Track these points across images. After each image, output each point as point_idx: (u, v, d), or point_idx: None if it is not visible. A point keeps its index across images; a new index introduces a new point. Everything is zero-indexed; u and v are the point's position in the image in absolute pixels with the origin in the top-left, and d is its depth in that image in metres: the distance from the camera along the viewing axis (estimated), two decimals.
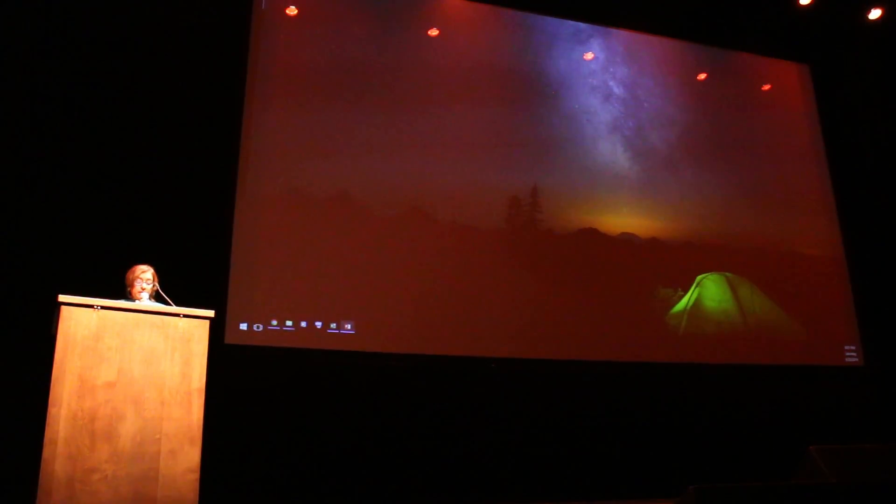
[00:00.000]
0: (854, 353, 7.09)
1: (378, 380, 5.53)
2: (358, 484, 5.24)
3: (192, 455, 3.27)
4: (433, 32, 6.61)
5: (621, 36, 7.35)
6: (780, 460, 5.25)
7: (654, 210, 6.86)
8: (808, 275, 7.24)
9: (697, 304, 6.74)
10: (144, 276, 3.76)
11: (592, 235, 6.58)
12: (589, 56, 7.15)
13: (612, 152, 6.91)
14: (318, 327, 5.52)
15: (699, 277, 6.83)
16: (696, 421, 6.23)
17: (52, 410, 3.07)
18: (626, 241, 6.69)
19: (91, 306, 3.26)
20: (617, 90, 7.14)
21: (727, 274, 6.95)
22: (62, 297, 3.22)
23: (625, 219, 6.74)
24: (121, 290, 3.78)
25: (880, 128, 7.68)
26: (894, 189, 7.44)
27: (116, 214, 5.11)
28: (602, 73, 7.14)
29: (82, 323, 3.22)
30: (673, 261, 6.78)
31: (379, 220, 5.91)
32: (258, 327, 5.37)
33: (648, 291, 6.61)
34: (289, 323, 5.45)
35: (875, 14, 7.46)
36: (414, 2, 6.67)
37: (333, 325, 5.55)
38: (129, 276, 3.79)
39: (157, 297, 3.77)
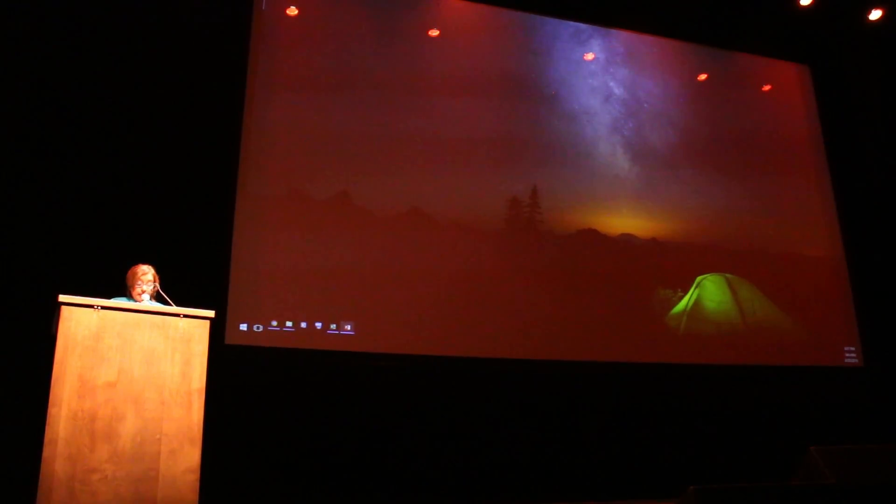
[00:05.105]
0: (854, 354, 7.09)
1: (377, 381, 5.53)
2: (357, 484, 5.24)
3: (192, 455, 3.27)
4: (433, 33, 6.61)
5: (621, 36, 7.35)
6: (780, 460, 5.24)
7: (653, 211, 6.86)
8: (808, 275, 7.24)
9: (697, 304, 6.73)
10: (145, 278, 3.76)
11: (592, 236, 6.58)
12: (589, 56, 7.14)
13: (612, 153, 6.91)
14: (318, 328, 5.52)
15: (699, 278, 6.83)
16: (696, 421, 6.22)
17: (52, 410, 3.06)
18: (626, 242, 6.68)
19: (91, 306, 3.25)
20: (617, 91, 7.14)
21: (727, 275, 6.94)
22: (62, 297, 3.21)
23: (625, 219, 6.74)
24: (121, 290, 3.78)
25: (880, 128, 7.67)
26: (894, 189, 7.44)
27: (117, 214, 5.12)
28: (602, 74, 7.14)
29: (82, 323, 3.22)
30: (673, 261, 6.78)
31: (379, 221, 5.91)
32: (258, 328, 5.37)
33: (648, 292, 6.60)
34: (289, 324, 5.45)
35: (875, 14, 7.46)
36: (414, 2, 6.67)
37: (333, 326, 5.56)
38: (130, 277, 3.80)
39: (157, 297, 3.77)
